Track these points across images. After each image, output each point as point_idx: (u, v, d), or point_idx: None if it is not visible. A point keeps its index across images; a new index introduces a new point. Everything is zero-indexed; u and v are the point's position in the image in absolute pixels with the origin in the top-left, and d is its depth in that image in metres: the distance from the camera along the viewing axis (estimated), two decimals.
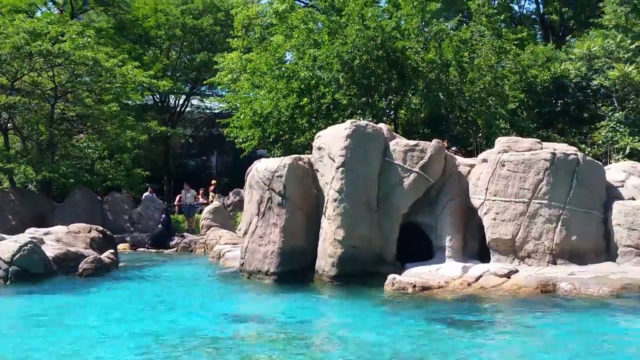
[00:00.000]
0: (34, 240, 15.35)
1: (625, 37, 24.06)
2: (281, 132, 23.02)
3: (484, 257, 13.96)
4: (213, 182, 29.86)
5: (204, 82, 35.24)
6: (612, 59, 23.62)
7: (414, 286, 12.50)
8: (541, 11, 36.94)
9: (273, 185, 14.49)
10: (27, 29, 24.61)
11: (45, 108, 26.37)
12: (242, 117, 23.63)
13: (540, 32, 37.19)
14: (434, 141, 14.41)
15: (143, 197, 27.70)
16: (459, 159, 15.23)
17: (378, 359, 8.28)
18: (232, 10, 34.12)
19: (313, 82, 21.94)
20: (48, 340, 9.38)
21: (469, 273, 13.04)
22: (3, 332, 10.28)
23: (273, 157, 19.91)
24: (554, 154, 13.52)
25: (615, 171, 14.98)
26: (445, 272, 13.18)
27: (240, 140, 23.89)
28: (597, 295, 11.57)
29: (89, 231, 18.20)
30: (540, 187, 13.38)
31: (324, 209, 14.23)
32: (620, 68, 22.17)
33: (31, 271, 14.45)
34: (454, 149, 21.88)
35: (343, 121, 16.15)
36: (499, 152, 14.00)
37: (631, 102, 23.01)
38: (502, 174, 13.70)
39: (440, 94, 21.93)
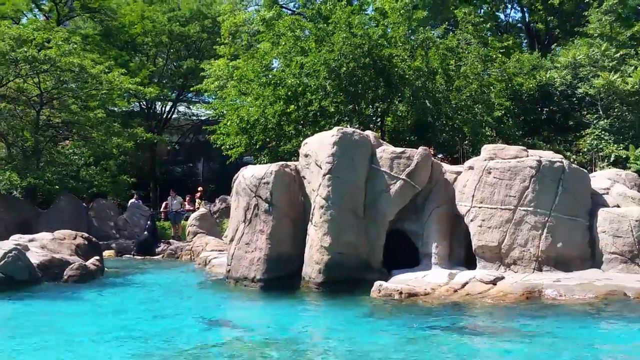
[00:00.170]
0: (18, 247, 15.19)
1: (610, 46, 24.23)
2: (268, 139, 22.99)
3: (470, 264, 14.01)
4: (199, 188, 29.78)
5: (191, 89, 35.10)
6: (597, 67, 23.76)
7: (401, 293, 12.52)
8: (527, 20, 37.15)
9: (260, 192, 14.48)
10: (13, 36, 24.44)
11: (31, 114, 26.20)
12: (228, 124, 23.60)
13: (525, 41, 37.38)
14: (421, 148, 14.46)
15: (129, 203, 27.55)
16: (446, 166, 15.28)
17: None
18: (219, 18, 34.09)
19: (300, 89, 21.95)
20: (29, 346, 9.31)
21: (455, 280, 13.07)
22: None
23: (260, 164, 19.89)
24: (539, 161, 13.60)
25: (600, 179, 15.09)
26: (432, 279, 13.20)
27: (227, 147, 23.86)
28: (582, 302, 11.62)
29: (74, 238, 18.06)
30: (526, 194, 13.45)
31: (311, 216, 14.23)
32: (605, 76, 22.31)
33: (15, 278, 14.28)
34: (440, 156, 21.93)
35: (330, 128, 16.18)
36: (485, 160, 14.07)
37: (616, 110, 23.15)
38: (488, 182, 13.76)
39: (426, 101, 22.01)
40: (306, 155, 14.90)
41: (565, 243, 13.28)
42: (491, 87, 23.65)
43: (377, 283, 12.95)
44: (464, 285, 12.83)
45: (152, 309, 12.58)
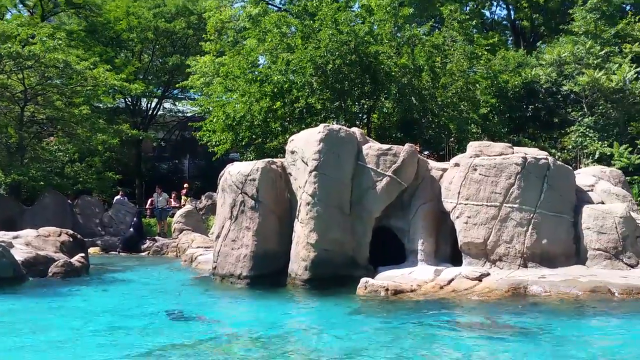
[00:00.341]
0: (2, 244, 15.07)
1: (594, 44, 24.41)
2: (254, 136, 22.98)
3: (456, 261, 14.06)
4: (185, 185, 29.72)
5: (177, 85, 35.02)
6: (581, 64, 23.93)
7: (387, 289, 12.53)
8: (512, 17, 37.37)
9: (246, 189, 14.46)
10: None
11: (15, 111, 26.05)
12: (214, 120, 23.54)
13: (511, 38, 37.60)
14: (407, 145, 14.49)
15: (114, 200, 27.48)
16: (432, 163, 15.32)
17: None
18: (205, 14, 33.91)
19: (286, 86, 21.95)
20: (12, 344, 9.25)
21: (441, 276, 13.11)
22: None
23: (246, 160, 19.86)
24: (525, 158, 13.66)
25: (585, 176, 15.19)
26: (418, 276, 13.23)
27: (213, 143, 23.81)
28: (567, 298, 11.70)
29: (59, 235, 17.98)
30: (511, 191, 13.51)
31: (297, 213, 14.22)
32: (589, 74, 22.46)
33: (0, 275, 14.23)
34: (426, 153, 21.99)
35: (316, 125, 16.19)
36: (471, 157, 14.12)
37: (600, 107, 23.32)
38: (474, 178, 13.80)
39: (412, 98, 22.08)
40: (292, 152, 14.89)
41: (550, 240, 13.36)
42: (477, 85, 23.77)
43: (363, 280, 12.96)
44: (449, 282, 12.87)
45: (136, 306, 12.52)
